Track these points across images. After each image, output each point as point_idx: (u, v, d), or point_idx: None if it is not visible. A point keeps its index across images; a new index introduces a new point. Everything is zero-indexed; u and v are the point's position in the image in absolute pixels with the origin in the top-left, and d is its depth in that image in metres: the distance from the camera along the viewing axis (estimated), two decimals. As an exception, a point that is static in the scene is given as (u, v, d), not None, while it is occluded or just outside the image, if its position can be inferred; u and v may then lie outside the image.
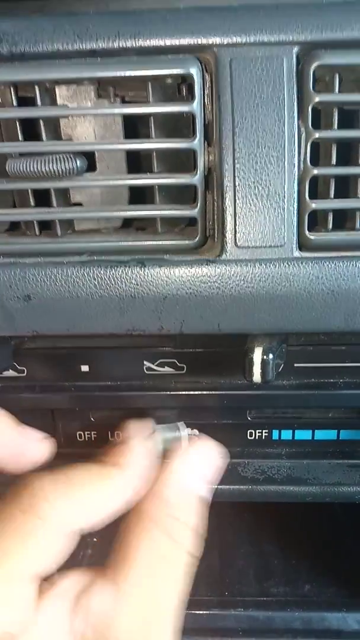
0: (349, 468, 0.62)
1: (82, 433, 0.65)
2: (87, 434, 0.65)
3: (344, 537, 1.00)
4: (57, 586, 0.45)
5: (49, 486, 0.45)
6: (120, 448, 0.51)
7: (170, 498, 0.49)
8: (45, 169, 0.43)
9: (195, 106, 0.42)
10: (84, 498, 0.46)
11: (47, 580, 0.46)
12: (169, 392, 0.59)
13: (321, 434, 0.63)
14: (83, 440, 0.65)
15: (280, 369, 0.56)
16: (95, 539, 1.07)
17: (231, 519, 1.04)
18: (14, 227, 0.50)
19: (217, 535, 1.04)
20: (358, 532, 0.99)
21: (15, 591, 0.42)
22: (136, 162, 0.49)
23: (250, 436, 0.64)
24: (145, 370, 0.59)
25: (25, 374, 0.60)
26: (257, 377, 0.50)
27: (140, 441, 0.52)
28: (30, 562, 0.42)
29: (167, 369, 0.59)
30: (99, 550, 1.04)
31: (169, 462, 0.51)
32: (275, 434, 0.63)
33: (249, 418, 0.62)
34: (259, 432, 0.63)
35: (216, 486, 0.56)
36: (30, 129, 0.46)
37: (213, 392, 0.59)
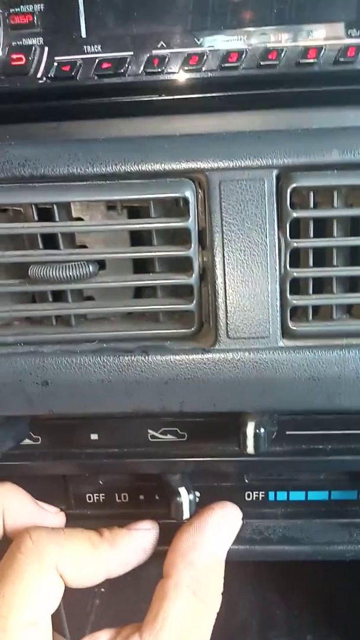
0: (339, 526, 0.67)
1: (91, 495, 0.70)
2: (97, 496, 0.70)
3: (346, 588, 1.03)
4: None
5: (36, 530, 0.51)
6: (121, 531, 0.57)
7: (200, 562, 0.54)
8: (64, 275, 0.50)
9: (190, 222, 0.50)
10: (69, 547, 0.52)
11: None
12: (171, 459, 0.64)
13: (314, 495, 0.68)
14: (93, 502, 0.71)
15: (273, 436, 0.62)
16: (102, 589, 1.11)
17: (234, 569, 1.07)
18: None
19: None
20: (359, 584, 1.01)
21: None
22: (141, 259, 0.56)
23: (247, 497, 0.69)
24: (149, 438, 0.65)
25: (39, 442, 0.66)
26: (250, 449, 0.55)
27: (141, 535, 0.58)
28: (26, 603, 0.47)
29: (169, 437, 0.65)
30: (106, 600, 1.06)
31: (195, 528, 0.57)
32: (271, 496, 0.68)
33: (246, 481, 0.68)
34: (256, 494, 0.68)
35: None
36: (49, 235, 0.53)
37: (212, 459, 0.64)
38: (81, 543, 0.53)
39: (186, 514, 0.60)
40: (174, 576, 0.53)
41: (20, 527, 0.56)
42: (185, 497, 0.60)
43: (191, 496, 0.60)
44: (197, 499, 0.63)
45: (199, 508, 0.61)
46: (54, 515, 0.61)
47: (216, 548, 0.56)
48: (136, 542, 0.58)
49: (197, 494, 0.64)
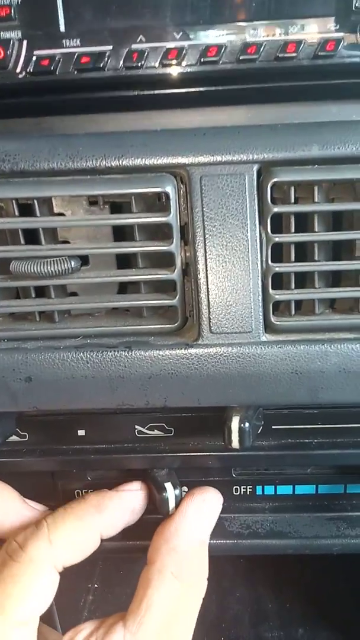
0: (326, 521, 0.67)
1: (80, 491, 0.70)
2: (85, 491, 0.70)
3: (338, 581, 1.04)
4: (72, 637, 0.50)
5: (20, 535, 0.52)
6: (108, 493, 0.57)
7: (182, 547, 0.54)
8: (45, 270, 0.50)
9: (172, 217, 0.50)
10: (57, 537, 0.52)
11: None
12: (158, 454, 0.64)
13: (301, 489, 0.68)
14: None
15: (259, 431, 0.62)
16: (96, 585, 1.11)
17: (226, 564, 1.08)
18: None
19: (214, 579, 1.08)
20: (350, 577, 1.02)
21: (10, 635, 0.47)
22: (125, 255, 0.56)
23: (235, 492, 0.69)
24: (136, 434, 0.65)
25: (27, 439, 0.66)
26: (235, 443, 0.56)
27: (129, 495, 0.58)
28: (17, 605, 0.48)
29: (156, 432, 0.65)
30: (100, 596, 1.07)
31: (177, 514, 0.57)
32: (258, 490, 0.69)
33: (234, 475, 0.68)
34: (243, 488, 0.69)
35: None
36: (30, 230, 0.53)
37: (200, 453, 0.64)
38: (66, 524, 0.53)
39: (172, 509, 0.60)
40: (157, 562, 0.53)
41: (7, 526, 0.57)
42: (172, 493, 0.60)
43: (177, 491, 0.60)
44: (184, 494, 0.63)
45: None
46: (41, 514, 0.61)
47: (199, 533, 0.57)
48: (123, 503, 0.58)
49: (185, 489, 0.64)
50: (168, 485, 0.60)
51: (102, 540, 0.56)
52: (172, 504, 0.61)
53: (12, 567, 0.49)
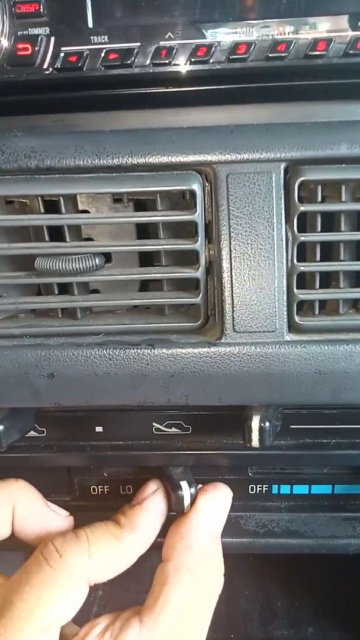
0: (342, 521, 0.67)
1: (95, 487, 0.71)
2: (101, 488, 0.71)
3: (348, 581, 1.04)
4: (88, 631, 0.50)
5: (60, 541, 0.52)
6: (135, 510, 0.57)
7: (197, 544, 0.55)
8: (70, 267, 0.50)
9: (197, 215, 0.49)
10: (96, 553, 0.52)
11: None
12: (176, 451, 0.64)
13: (317, 489, 0.68)
14: (97, 493, 0.71)
15: (277, 430, 0.62)
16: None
17: (236, 562, 1.08)
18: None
19: (224, 577, 1.08)
20: None
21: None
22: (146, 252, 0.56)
23: (251, 491, 0.69)
24: (154, 431, 0.65)
25: (45, 434, 0.66)
26: (255, 442, 0.55)
27: (152, 503, 0.58)
28: (46, 611, 0.48)
29: (174, 430, 0.65)
30: (109, 591, 1.07)
31: (191, 512, 0.57)
32: (274, 489, 0.69)
33: (250, 474, 0.68)
34: (259, 487, 0.69)
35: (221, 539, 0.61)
36: (54, 227, 0.53)
37: (217, 452, 0.64)
38: (105, 542, 0.53)
39: (187, 507, 0.60)
40: (173, 560, 0.53)
41: (28, 527, 0.57)
42: (187, 491, 0.60)
43: (192, 490, 0.60)
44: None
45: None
46: (62, 519, 0.62)
47: (212, 529, 0.57)
48: (152, 513, 0.58)
49: (200, 486, 0.65)
50: (184, 484, 0.60)
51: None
52: (187, 502, 0.61)
53: (47, 572, 0.48)
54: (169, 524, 0.60)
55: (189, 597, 0.51)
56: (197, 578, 0.53)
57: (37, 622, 0.46)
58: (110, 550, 0.53)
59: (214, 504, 0.60)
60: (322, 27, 0.50)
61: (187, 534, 0.56)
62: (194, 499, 0.61)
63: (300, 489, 0.68)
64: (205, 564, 0.54)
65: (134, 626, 0.49)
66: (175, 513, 0.61)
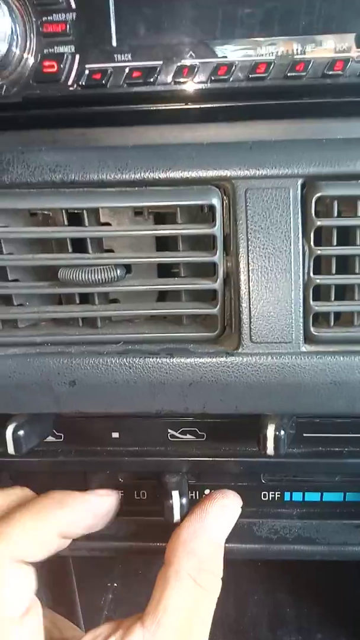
0: (354, 528, 0.68)
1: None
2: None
3: (357, 586, 1.04)
4: (92, 638, 0.51)
5: None
6: (73, 493, 0.58)
7: (200, 550, 0.55)
8: (93, 278, 0.51)
9: (217, 229, 0.51)
10: (15, 532, 0.52)
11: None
12: (190, 458, 0.66)
13: (329, 496, 0.69)
14: (112, 498, 0.72)
15: (291, 438, 0.63)
16: (115, 585, 1.12)
17: (246, 567, 1.09)
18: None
19: (233, 582, 1.09)
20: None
21: None
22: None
23: (264, 497, 0.70)
24: (169, 437, 0.66)
25: (62, 439, 0.68)
26: (270, 450, 0.57)
27: (95, 499, 0.60)
28: None
29: (188, 437, 0.66)
30: (119, 595, 1.08)
31: (196, 517, 0.58)
32: (287, 496, 0.70)
33: (263, 481, 0.69)
34: (272, 494, 0.70)
35: (233, 545, 0.62)
36: (77, 239, 0.54)
37: (230, 459, 0.65)
38: (24, 517, 0.53)
39: (176, 517, 0.61)
40: (175, 564, 0.54)
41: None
42: (177, 501, 0.61)
43: (184, 500, 0.61)
44: (205, 495, 0.63)
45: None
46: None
47: (217, 537, 0.57)
48: (87, 504, 0.59)
49: (207, 491, 0.65)
50: (175, 494, 0.61)
51: (66, 539, 0.56)
52: (176, 511, 0.61)
53: None
54: (171, 529, 0.59)
55: (189, 601, 0.52)
56: (197, 583, 0.53)
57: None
58: (32, 526, 0.53)
59: (221, 513, 0.60)
60: (340, 46, 0.51)
61: (190, 540, 0.56)
62: (185, 510, 0.61)
63: (313, 497, 0.69)
64: (206, 570, 0.55)
65: (136, 631, 0.50)
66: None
